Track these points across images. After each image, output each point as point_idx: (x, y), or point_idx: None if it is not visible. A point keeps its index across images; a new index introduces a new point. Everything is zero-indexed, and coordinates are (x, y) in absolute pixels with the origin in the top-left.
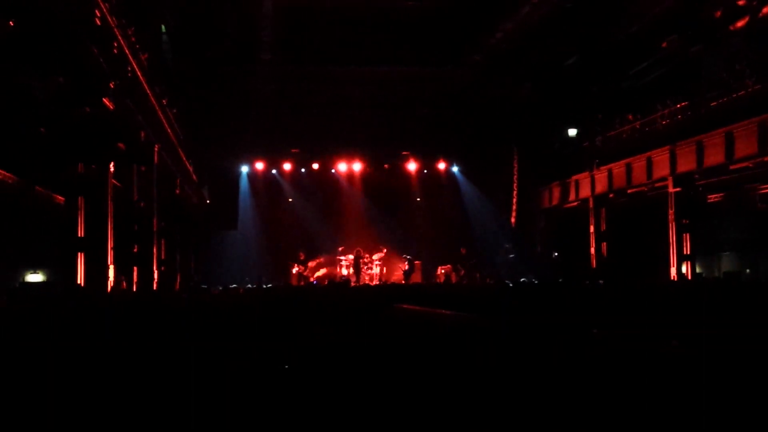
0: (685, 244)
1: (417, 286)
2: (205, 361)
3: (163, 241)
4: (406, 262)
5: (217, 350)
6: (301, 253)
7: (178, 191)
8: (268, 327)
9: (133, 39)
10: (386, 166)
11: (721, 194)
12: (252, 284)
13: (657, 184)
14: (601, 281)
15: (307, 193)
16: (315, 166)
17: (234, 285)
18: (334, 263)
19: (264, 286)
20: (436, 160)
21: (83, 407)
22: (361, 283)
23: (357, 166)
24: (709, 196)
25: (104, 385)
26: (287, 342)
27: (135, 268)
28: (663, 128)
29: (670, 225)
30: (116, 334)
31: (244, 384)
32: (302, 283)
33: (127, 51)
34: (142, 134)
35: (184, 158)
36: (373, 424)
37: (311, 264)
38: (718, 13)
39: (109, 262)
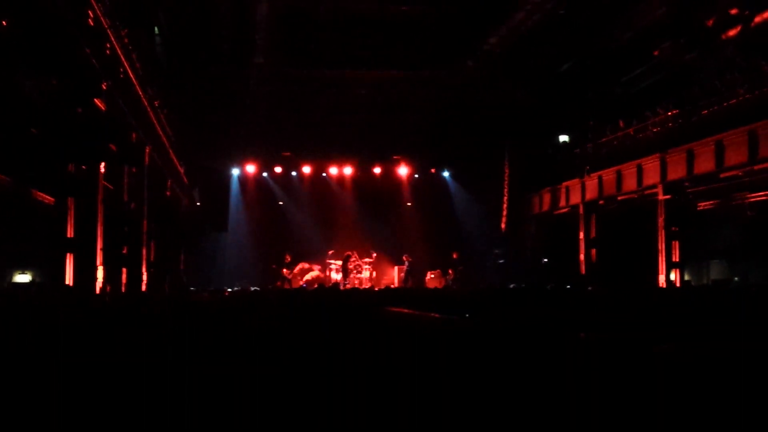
0: (674, 252)
1: (409, 290)
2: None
3: (152, 243)
4: (407, 263)
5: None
6: (287, 256)
7: (168, 193)
8: (259, 332)
9: (126, 40)
10: (378, 170)
11: (710, 202)
12: (240, 287)
13: (647, 192)
14: (590, 287)
15: (297, 196)
16: (306, 169)
17: (225, 287)
18: (324, 267)
19: (252, 289)
20: (428, 165)
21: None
22: (349, 287)
23: (348, 170)
24: (699, 204)
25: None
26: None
27: (124, 270)
28: (654, 135)
29: (660, 232)
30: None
31: (234, 388)
32: (286, 285)
33: (119, 52)
34: (134, 135)
35: (175, 160)
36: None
37: (299, 267)
38: (711, 22)
39: (98, 263)
